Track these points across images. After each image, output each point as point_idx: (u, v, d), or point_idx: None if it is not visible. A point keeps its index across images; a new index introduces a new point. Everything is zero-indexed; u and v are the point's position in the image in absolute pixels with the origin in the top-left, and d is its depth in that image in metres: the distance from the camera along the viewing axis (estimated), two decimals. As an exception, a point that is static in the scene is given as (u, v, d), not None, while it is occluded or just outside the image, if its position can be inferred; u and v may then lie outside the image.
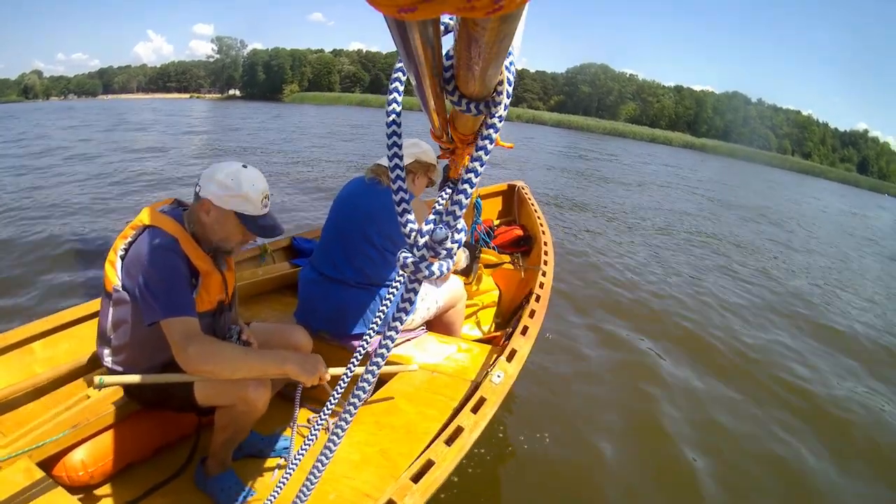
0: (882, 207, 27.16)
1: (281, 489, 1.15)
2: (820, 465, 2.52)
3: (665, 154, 33.62)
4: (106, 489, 1.51)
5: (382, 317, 1.33)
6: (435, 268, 0.58)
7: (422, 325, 2.23)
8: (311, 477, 0.88)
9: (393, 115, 0.64)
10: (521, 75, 69.92)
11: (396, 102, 0.64)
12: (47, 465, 1.39)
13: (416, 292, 0.61)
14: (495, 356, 1.91)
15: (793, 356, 3.77)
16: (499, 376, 1.67)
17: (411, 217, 0.60)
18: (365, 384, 0.70)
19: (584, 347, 3.40)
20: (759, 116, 63.17)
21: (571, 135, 41.55)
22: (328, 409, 1.23)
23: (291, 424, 1.60)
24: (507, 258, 3.29)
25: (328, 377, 1.46)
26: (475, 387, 1.78)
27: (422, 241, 0.58)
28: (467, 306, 2.62)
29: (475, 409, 1.50)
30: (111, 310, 1.42)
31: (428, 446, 1.45)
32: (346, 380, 1.22)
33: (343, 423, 0.72)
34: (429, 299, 2.19)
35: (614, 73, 68.01)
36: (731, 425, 2.74)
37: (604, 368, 3.18)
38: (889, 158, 62.15)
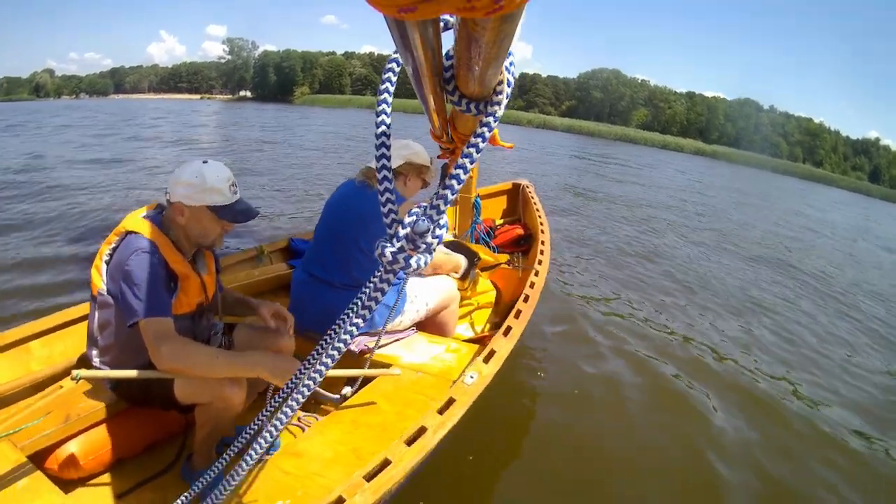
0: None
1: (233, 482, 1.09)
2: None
3: (684, 162, 32.94)
4: (96, 483, 1.54)
5: (367, 316, 1.33)
6: (413, 261, 0.58)
7: (411, 327, 2.21)
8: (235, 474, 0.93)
9: (382, 116, 0.64)
10: (533, 80, 70.02)
11: (387, 104, 0.65)
12: (39, 458, 1.42)
13: (389, 283, 0.61)
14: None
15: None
16: (472, 377, 1.63)
17: (394, 208, 0.60)
18: (323, 367, 0.69)
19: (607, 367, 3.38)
20: (770, 123, 62.60)
21: (582, 140, 41.27)
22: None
23: (261, 419, 1.54)
24: (503, 258, 3.28)
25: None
26: None
27: (402, 232, 0.58)
28: (463, 306, 2.62)
29: (442, 411, 1.49)
30: (97, 313, 1.49)
31: None
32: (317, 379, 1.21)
33: (277, 423, 0.71)
34: (419, 301, 2.18)
35: (626, 78, 67.65)
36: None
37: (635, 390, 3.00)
38: (902, 167, 61.36)
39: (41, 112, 26.78)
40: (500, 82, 0.57)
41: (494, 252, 3.36)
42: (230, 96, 73.85)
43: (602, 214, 8.66)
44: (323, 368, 0.71)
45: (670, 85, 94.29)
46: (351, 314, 0.64)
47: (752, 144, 57.08)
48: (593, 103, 65.99)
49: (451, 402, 1.53)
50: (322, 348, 1.25)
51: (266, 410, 1.41)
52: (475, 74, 0.52)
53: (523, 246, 3.55)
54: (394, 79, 0.64)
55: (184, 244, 1.53)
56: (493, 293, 2.87)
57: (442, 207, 0.57)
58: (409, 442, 1.37)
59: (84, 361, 1.60)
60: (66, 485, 1.44)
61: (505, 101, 0.58)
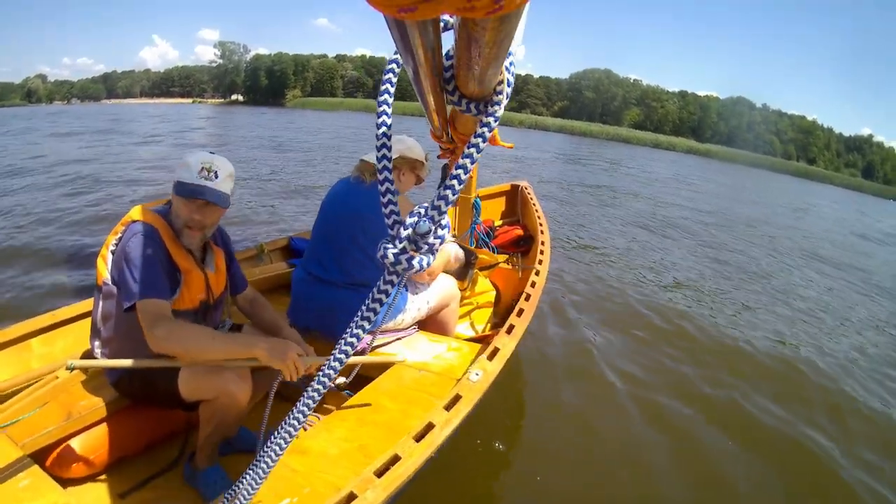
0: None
1: (242, 483, 1.07)
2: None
3: (681, 162, 32.91)
4: (98, 481, 1.53)
5: (373, 318, 1.32)
6: (415, 262, 0.58)
7: (413, 325, 2.22)
8: (261, 469, 0.89)
9: (383, 116, 0.64)
10: (525, 81, 70.15)
11: (387, 104, 0.65)
12: (40, 456, 1.41)
13: (393, 285, 0.61)
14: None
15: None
16: (477, 374, 1.67)
17: (396, 209, 0.60)
18: (332, 371, 0.69)
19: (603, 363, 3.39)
20: (763, 121, 63.00)
21: (575, 140, 41.35)
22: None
23: (262, 420, 1.51)
24: (502, 258, 3.28)
25: (306, 365, 1.45)
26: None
27: (404, 233, 0.58)
28: (463, 305, 2.61)
29: (448, 407, 1.51)
30: (101, 303, 1.49)
31: None
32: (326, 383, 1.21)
33: (300, 416, 0.71)
34: (419, 300, 2.19)
35: (618, 78, 67.96)
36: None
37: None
38: (894, 163, 61.87)
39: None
40: (500, 82, 0.57)
41: (494, 252, 3.36)
42: (221, 100, 73.57)
43: (590, 210, 8.75)
44: (332, 373, 0.71)
45: (662, 84, 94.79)
46: (357, 318, 0.64)
47: (746, 143, 57.46)
48: (585, 103, 66.22)
49: (457, 398, 1.54)
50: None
51: (267, 410, 1.41)
52: (475, 74, 0.52)
53: (522, 247, 3.56)
54: (394, 79, 0.64)
55: (188, 237, 1.52)
56: (493, 293, 2.88)
57: (443, 208, 0.57)
58: (418, 438, 1.38)
59: (88, 357, 1.60)
60: (68, 483, 1.44)
61: (505, 101, 0.58)
